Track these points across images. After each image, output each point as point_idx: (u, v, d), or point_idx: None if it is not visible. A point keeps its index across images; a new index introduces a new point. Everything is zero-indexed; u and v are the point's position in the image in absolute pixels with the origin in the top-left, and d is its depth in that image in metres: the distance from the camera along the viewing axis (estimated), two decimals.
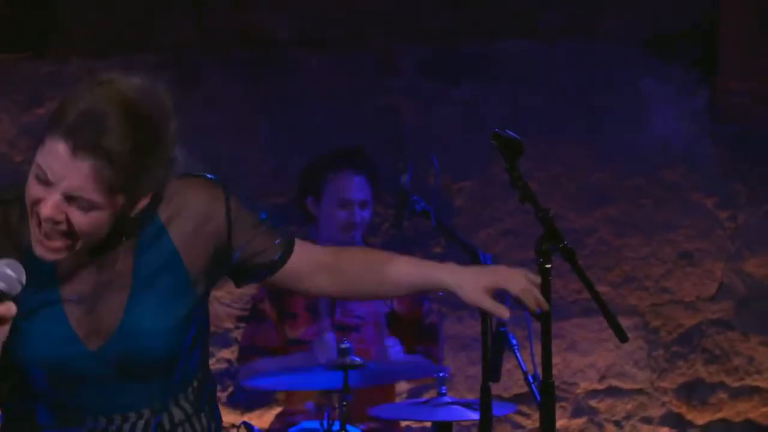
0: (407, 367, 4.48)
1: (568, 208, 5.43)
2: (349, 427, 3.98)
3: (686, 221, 5.52)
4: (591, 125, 5.51)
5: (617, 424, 5.50)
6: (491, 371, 3.62)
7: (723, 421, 5.51)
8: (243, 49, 5.44)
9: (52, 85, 5.56)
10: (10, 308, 2.23)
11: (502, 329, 3.87)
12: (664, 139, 5.52)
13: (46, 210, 2.32)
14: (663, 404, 5.49)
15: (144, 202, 2.42)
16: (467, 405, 3.99)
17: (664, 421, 5.49)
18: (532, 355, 3.89)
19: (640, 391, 5.49)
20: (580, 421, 5.48)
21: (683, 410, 5.49)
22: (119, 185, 2.32)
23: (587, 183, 5.50)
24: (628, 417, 5.49)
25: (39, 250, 2.37)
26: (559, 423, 5.34)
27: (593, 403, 5.48)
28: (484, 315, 3.47)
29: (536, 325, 3.29)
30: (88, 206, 2.33)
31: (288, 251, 2.66)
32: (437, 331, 4.34)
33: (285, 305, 4.65)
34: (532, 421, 5.38)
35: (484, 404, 3.48)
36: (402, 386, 5.12)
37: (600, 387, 5.48)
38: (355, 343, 4.08)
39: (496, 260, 3.88)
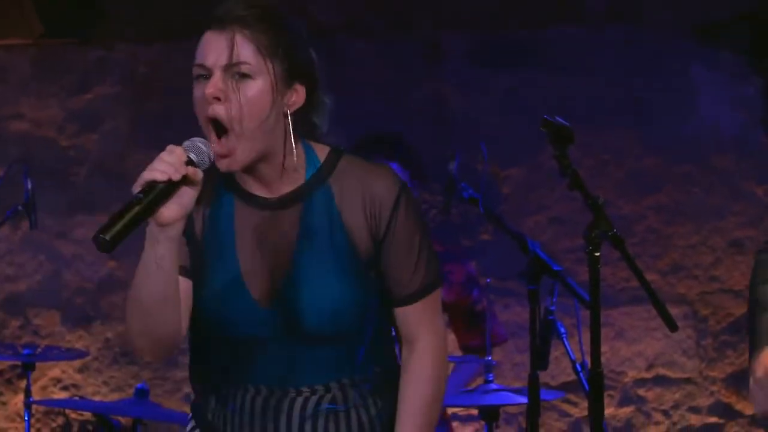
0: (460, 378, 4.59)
1: (617, 196, 5.40)
2: None
3: (736, 209, 5.48)
4: (639, 112, 5.47)
5: (665, 413, 5.46)
6: (539, 359, 3.60)
7: None
8: None
9: (98, 71, 5.59)
10: (197, 173, 2.39)
11: (551, 317, 3.85)
12: (714, 125, 5.48)
13: (209, 89, 2.46)
14: (711, 393, 5.45)
15: (296, 98, 2.56)
16: (515, 392, 3.97)
17: (712, 410, 5.45)
18: (580, 343, 3.87)
19: (688, 380, 5.46)
20: (627, 410, 5.45)
21: (732, 400, 5.45)
22: (265, 47, 2.50)
23: (636, 170, 5.47)
24: (676, 406, 5.46)
25: (217, 161, 2.48)
26: (607, 411, 5.31)
27: (641, 392, 5.45)
28: (533, 303, 3.46)
29: (585, 313, 3.27)
30: (243, 74, 2.48)
31: (402, 302, 2.66)
32: (486, 317, 4.33)
33: None
34: (580, 409, 5.36)
35: (532, 392, 3.46)
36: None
37: (648, 376, 5.45)
38: None
39: (543, 247, 3.85)
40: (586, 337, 3.05)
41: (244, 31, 2.50)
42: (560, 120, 3.03)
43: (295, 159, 2.57)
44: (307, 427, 2.60)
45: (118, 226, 2.31)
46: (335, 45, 5.47)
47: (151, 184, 2.35)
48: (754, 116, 5.49)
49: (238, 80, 2.48)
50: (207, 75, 2.49)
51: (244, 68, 2.49)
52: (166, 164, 2.36)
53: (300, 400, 2.60)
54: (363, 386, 2.64)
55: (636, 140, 5.47)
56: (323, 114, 2.68)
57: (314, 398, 2.60)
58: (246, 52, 2.49)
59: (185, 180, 2.37)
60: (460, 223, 5.33)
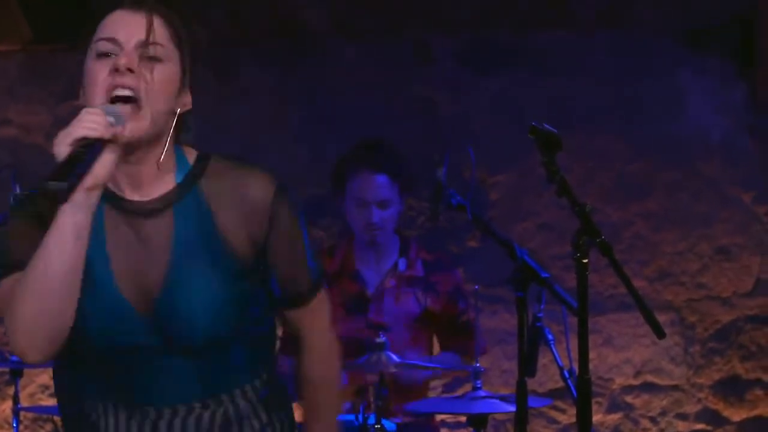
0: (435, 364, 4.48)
1: (605, 202, 5.40)
2: (384, 421, 3.96)
3: (723, 216, 5.49)
4: (627, 117, 5.48)
5: (653, 420, 5.47)
6: (527, 366, 3.60)
7: (759, 418, 5.47)
8: (278, 39, 5.44)
9: None
10: (123, 134, 2.32)
11: (538, 324, 3.85)
12: (701, 132, 5.48)
13: (122, 59, 2.39)
14: (699, 400, 5.46)
15: (186, 101, 2.47)
16: (503, 399, 3.97)
17: (699, 417, 5.46)
18: (568, 350, 3.87)
19: (676, 387, 5.46)
20: (615, 417, 5.46)
21: (719, 407, 5.46)
22: (179, 37, 2.45)
23: (624, 176, 5.47)
24: (663, 413, 5.46)
25: (126, 122, 2.41)
26: (595, 418, 5.30)
27: (629, 398, 5.46)
28: (521, 309, 3.46)
29: (572, 320, 3.27)
30: (155, 57, 2.42)
31: (295, 303, 2.60)
32: (473, 327, 4.31)
33: None
34: (568, 416, 5.36)
35: (520, 399, 3.46)
36: (436, 381, 5.11)
37: (636, 383, 5.46)
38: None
39: (531, 254, 3.85)
40: (574, 343, 3.05)
41: (160, 18, 2.44)
42: (548, 127, 3.04)
43: (167, 160, 2.47)
44: None
45: (74, 177, 2.19)
46: (325, 47, 5.47)
47: (84, 140, 2.25)
48: (741, 122, 5.50)
49: (149, 62, 2.40)
50: (114, 52, 2.41)
51: (158, 50, 2.41)
52: (95, 123, 2.27)
53: (192, 418, 2.49)
54: (252, 396, 2.55)
55: (624, 145, 5.48)
56: (190, 125, 2.55)
57: (207, 414, 2.50)
58: (162, 35, 2.43)
59: (112, 140, 2.29)
60: (447, 230, 5.33)
